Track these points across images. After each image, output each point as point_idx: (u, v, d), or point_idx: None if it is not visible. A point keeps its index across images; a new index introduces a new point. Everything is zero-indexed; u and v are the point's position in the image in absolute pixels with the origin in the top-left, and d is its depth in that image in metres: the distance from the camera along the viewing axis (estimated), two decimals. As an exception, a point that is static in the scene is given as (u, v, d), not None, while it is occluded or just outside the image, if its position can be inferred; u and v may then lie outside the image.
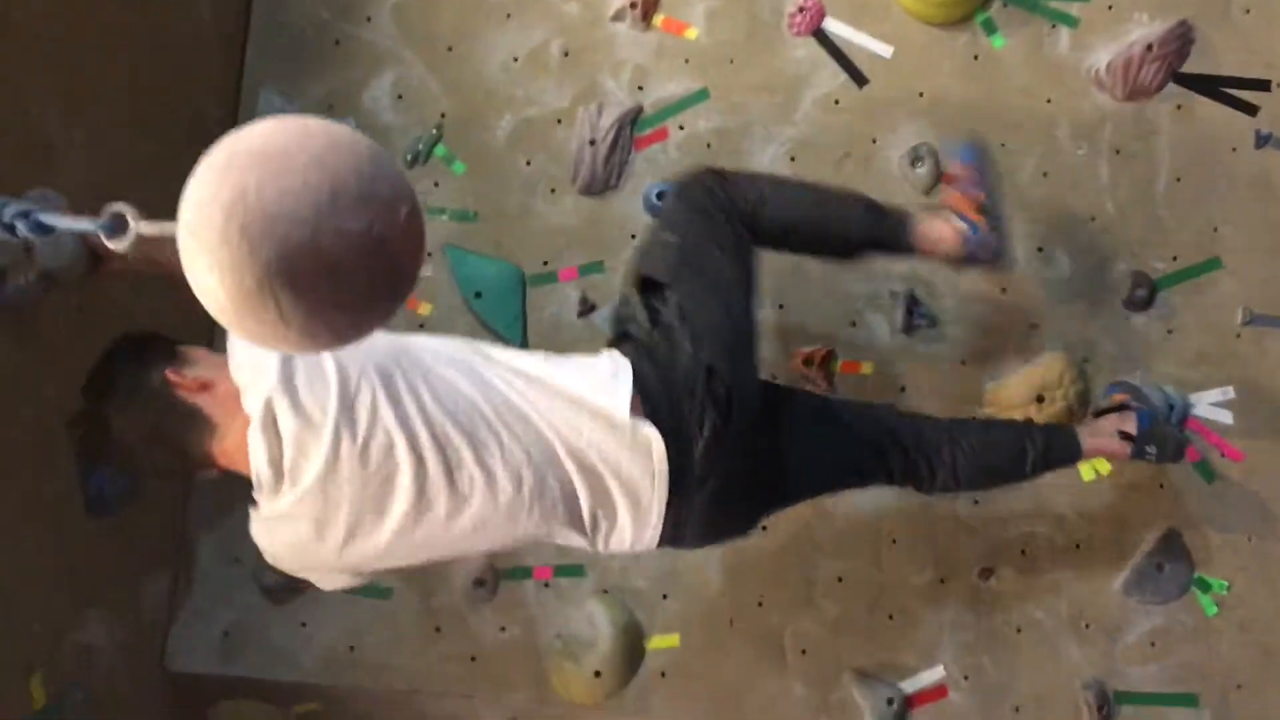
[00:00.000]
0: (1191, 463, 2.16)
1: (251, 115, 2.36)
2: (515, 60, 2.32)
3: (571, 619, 2.20)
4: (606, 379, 1.48)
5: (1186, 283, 2.18)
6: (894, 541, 2.18)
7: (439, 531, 1.41)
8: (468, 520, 1.41)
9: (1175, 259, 2.18)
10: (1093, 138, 2.21)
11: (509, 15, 2.31)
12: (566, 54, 2.30)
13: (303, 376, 1.33)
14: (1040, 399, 2.11)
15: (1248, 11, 2.19)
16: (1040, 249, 2.20)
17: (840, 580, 2.20)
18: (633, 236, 2.27)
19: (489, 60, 2.32)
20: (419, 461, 1.37)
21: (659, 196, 2.23)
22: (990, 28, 2.23)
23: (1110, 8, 2.21)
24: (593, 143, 2.25)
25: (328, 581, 1.52)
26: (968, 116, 2.22)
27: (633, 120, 2.28)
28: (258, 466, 1.33)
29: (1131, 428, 1.92)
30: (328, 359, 1.35)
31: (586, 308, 2.24)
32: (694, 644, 2.21)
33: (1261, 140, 2.18)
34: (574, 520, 1.48)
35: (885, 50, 2.24)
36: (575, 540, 1.52)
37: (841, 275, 2.21)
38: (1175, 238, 2.19)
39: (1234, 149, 2.19)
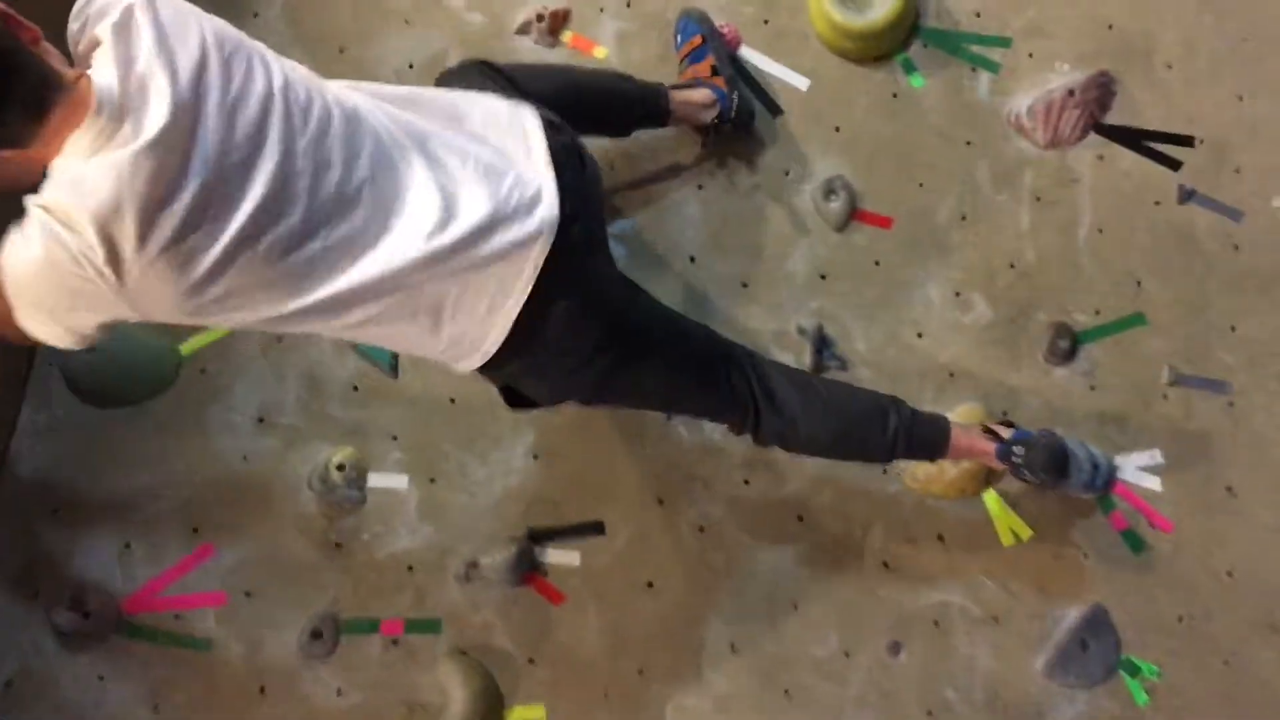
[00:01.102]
0: (1118, 531, 2.02)
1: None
2: (410, 67, 2.21)
3: (420, 684, 1.95)
4: (508, 117, 1.49)
5: (1109, 337, 2.09)
6: (794, 608, 1.99)
7: (286, 247, 1.23)
8: (318, 244, 1.25)
9: (1098, 312, 2.10)
10: (1013, 182, 2.15)
11: (408, 21, 2.22)
12: (465, 62, 2.21)
13: (170, 13, 1.20)
14: (955, 450, 1.98)
15: (1169, 67, 2.18)
16: (957, 294, 2.10)
17: (733, 649, 1.98)
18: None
19: (382, 65, 2.21)
20: (287, 153, 1.22)
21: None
22: (909, 67, 2.20)
23: (1031, 55, 2.20)
24: (485, 152, 2.13)
25: (76, 322, 1.23)
26: (884, 153, 2.16)
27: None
28: (105, 84, 1.13)
29: (1005, 434, 1.83)
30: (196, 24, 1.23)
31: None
32: (561, 717, 1.96)
33: (1185, 195, 2.14)
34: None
35: (802, 82, 2.19)
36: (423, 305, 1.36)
37: (747, 310, 2.09)
38: (1097, 289, 2.11)
39: (1157, 202, 2.14)
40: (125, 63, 1.15)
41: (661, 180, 2.15)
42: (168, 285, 1.19)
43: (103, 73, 1.15)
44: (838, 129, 2.17)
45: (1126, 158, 2.16)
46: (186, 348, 2.04)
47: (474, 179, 1.36)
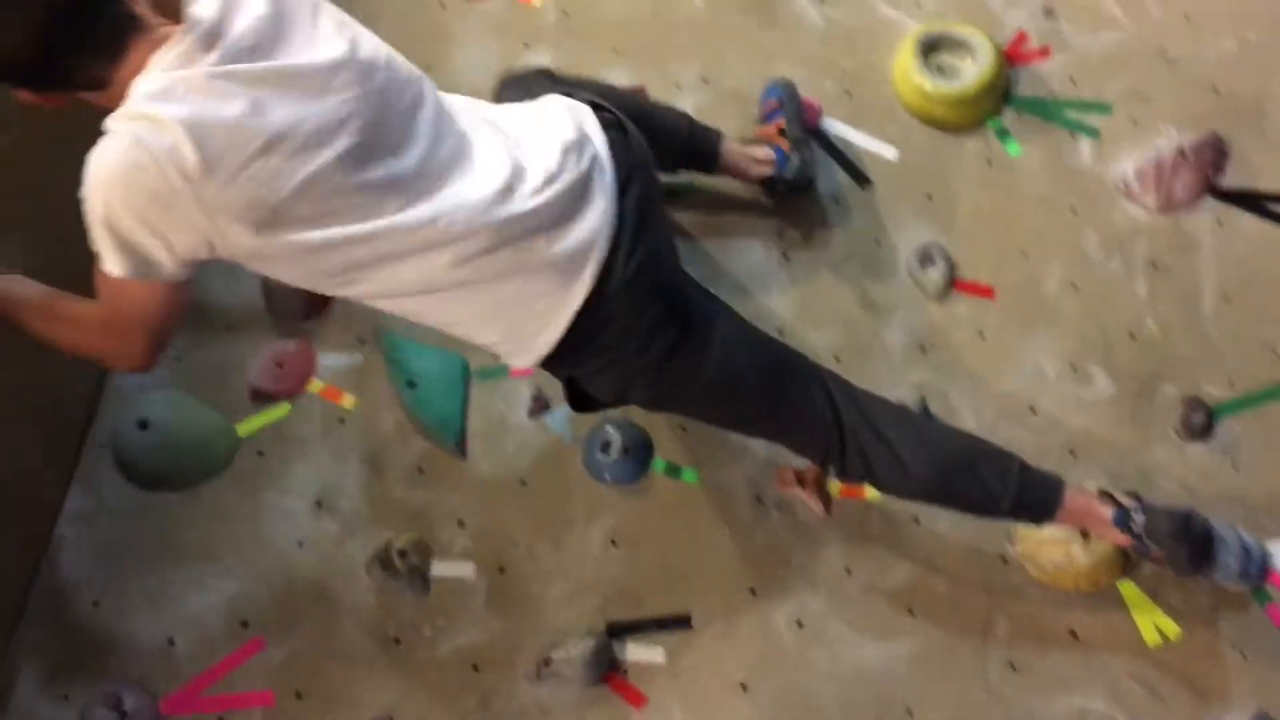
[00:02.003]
0: (1279, 628, 1.80)
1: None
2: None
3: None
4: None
5: (1250, 411, 1.92)
6: (909, 714, 1.77)
7: (367, 162, 1.28)
8: (401, 165, 1.30)
9: (1233, 384, 1.94)
10: (1125, 250, 2.04)
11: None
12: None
13: None
14: (1085, 534, 1.79)
15: (1285, 128, 2.10)
16: (1074, 366, 1.96)
17: (841, 764, 1.77)
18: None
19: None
20: (383, 105, 1.30)
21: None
22: (1004, 135, 2.13)
23: (1135, 122, 2.12)
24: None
25: (152, 250, 1.23)
26: (982, 221, 2.07)
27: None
28: (203, 12, 1.22)
29: (1125, 500, 1.67)
30: None
31: (539, 406, 1.96)
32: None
33: (1317, 260, 2.01)
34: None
35: (890, 152, 2.13)
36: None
37: (841, 384, 1.96)
38: (1230, 360, 1.95)
39: (1289, 269, 2.02)
40: (231, 5, 1.23)
41: (745, 251, 2.08)
42: (251, 193, 1.21)
43: (203, 5, 1.23)
44: (930, 197, 2.10)
45: (1248, 222, 2.05)
46: (243, 428, 1.96)
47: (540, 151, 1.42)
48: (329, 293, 1.39)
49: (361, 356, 2.03)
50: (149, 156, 1.15)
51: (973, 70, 2.10)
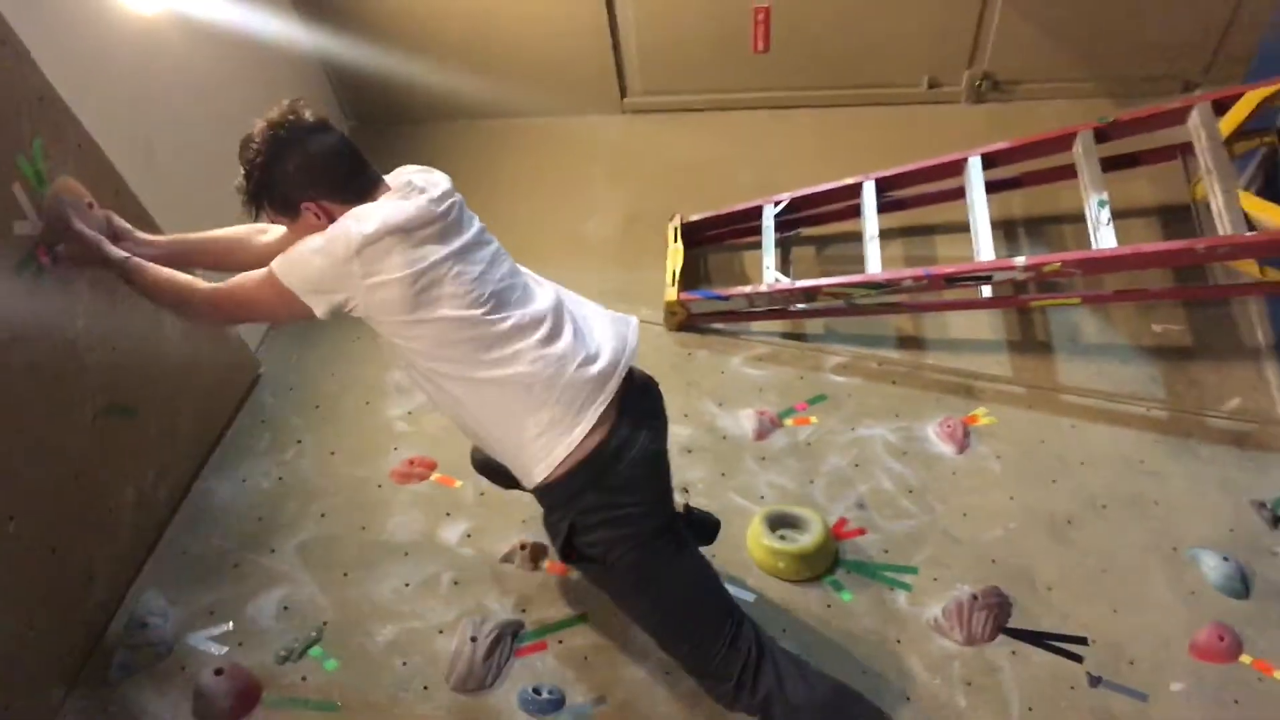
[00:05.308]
0: None
1: (133, 609, 2.53)
2: (406, 585, 2.64)
3: None
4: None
5: (1065, 798, 2.28)
6: None
7: (469, 276, 1.86)
8: (491, 283, 1.91)
9: (1047, 780, 2.32)
10: (944, 671, 2.53)
11: (407, 554, 2.71)
12: (456, 583, 2.65)
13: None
14: None
15: (1050, 588, 2.72)
16: (906, 765, 2.33)
17: None
18: (504, 731, 2.34)
19: (381, 584, 2.65)
20: (477, 241, 1.96)
21: (534, 690, 2.37)
22: (838, 586, 2.70)
23: (935, 579, 2.73)
24: (474, 639, 2.46)
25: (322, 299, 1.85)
26: (825, 654, 2.55)
27: (514, 631, 2.53)
28: (413, 179, 1.96)
29: None
30: None
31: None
32: None
33: (1094, 681, 2.51)
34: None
35: (749, 595, 2.66)
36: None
37: None
38: (1042, 758, 2.36)
39: (1072, 687, 2.51)
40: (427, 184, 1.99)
41: (629, 666, 2.47)
42: (396, 270, 1.81)
43: (413, 176, 2.01)
44: (785, 630, 2.59)
45: (1037, 653, 2.59)
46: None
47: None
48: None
49: (280, 750, 2.24)
50: (344, 237, 1.81)
51: (808, 537, 2.73)
